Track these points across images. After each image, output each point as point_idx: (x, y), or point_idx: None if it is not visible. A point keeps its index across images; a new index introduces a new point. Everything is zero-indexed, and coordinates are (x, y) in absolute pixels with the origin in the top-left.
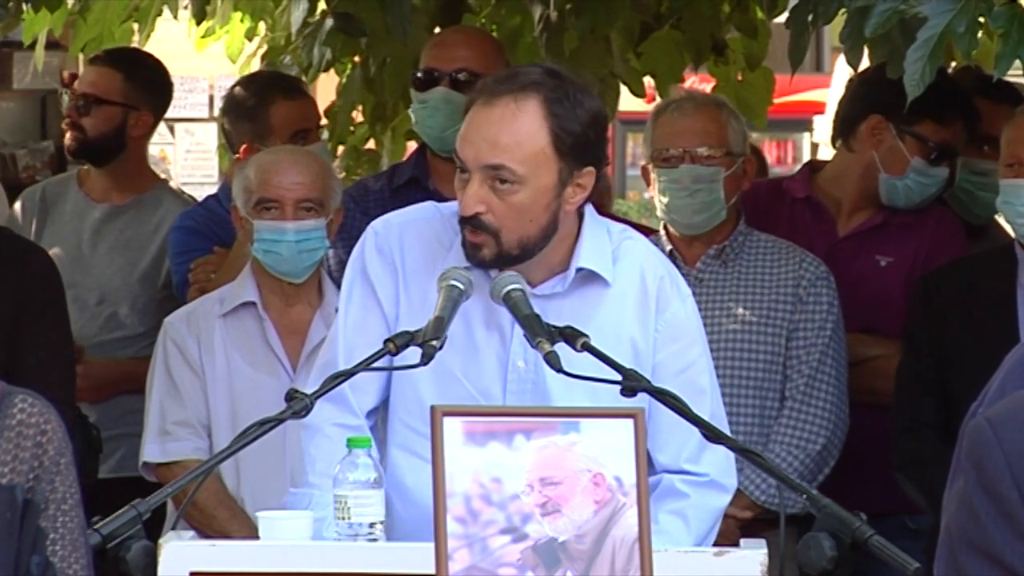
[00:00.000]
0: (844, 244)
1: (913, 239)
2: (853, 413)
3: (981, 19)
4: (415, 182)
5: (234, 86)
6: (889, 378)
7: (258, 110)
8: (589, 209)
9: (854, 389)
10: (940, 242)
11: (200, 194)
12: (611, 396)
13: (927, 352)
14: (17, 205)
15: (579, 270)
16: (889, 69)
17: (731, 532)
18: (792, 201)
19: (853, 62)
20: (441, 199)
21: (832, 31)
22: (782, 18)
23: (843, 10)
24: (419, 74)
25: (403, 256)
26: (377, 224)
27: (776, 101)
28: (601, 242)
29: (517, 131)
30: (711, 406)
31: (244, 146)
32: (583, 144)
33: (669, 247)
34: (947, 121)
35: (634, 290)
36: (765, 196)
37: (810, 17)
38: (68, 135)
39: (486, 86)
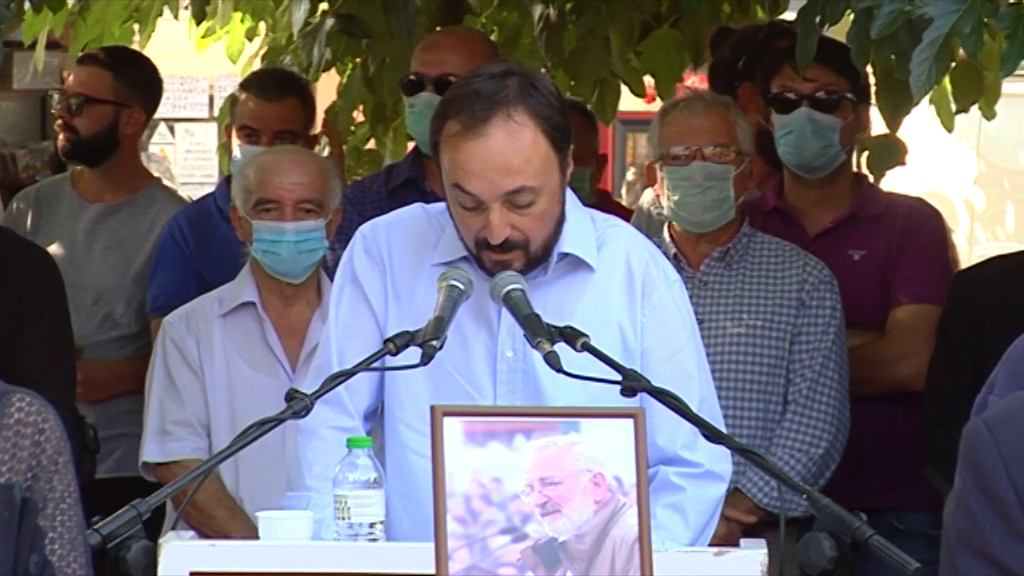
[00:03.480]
0: (816, 243)
1: (884, 230)
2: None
3: (986, 20)
4: (411, 183)
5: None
6: (866, 364)
7: (236, 93)
8: (571, 197)
9: None
10: (912, 230)
11: (200, 195)
12: (604, 387)
13: (962, 348)
14: (13, 206)
15: (563, 255)
16: (895, 69)
17: (733, 535)
18: (763, 214)
19: (859, 63)
20: (438, 200)
21: (833, 31)
22: (782, 17)
23: (849, 11)
24: (409, 78)
25: (391, 255)
26: (365, 228)
27: None
28: (585, 229)
29: (523, 149)
30: (700, 391)
31: (231, 129)
32: (565, 127)
33: (674, 250)
34: (794, 67)
35: (620, 276)
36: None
37: (817, 19)
38: (61, 136)
39: (466, 117)
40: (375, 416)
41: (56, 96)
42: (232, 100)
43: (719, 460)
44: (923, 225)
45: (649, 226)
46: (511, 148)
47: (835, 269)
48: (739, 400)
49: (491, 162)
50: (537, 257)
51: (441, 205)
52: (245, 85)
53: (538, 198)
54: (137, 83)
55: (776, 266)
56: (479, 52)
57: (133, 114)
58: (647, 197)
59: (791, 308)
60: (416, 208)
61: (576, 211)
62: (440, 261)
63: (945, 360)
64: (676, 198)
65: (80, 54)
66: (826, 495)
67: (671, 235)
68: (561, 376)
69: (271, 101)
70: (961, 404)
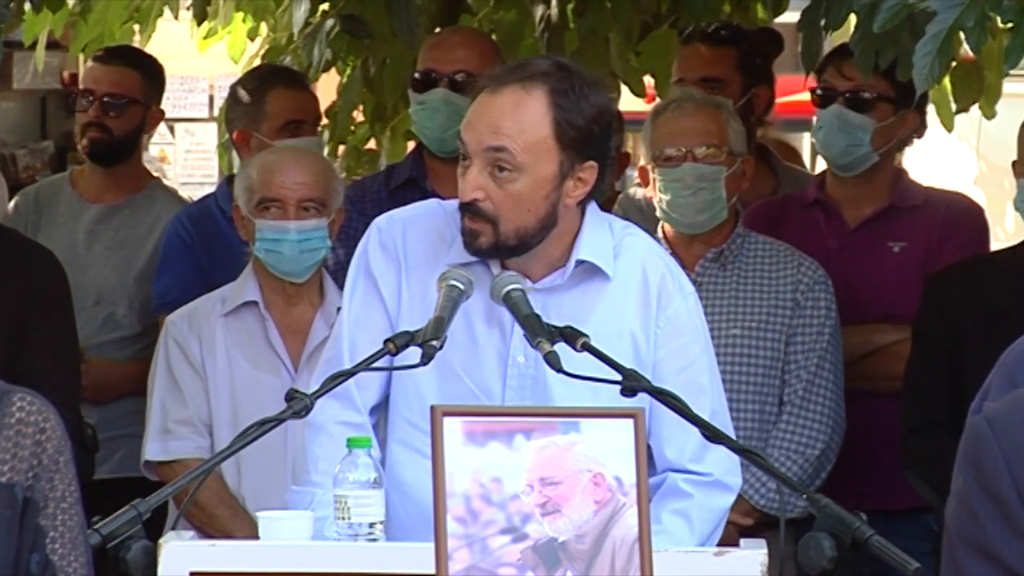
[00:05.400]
0: (855, 235)
1: (924, 221)
2: (871, 404)
3: (989, 14)
4: (412, 183)
5: (243, 74)
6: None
7: (256, 94)
8: (592, 205)
9: (873, 377)
10: (953, 222)
11: (200, 194)
12: (612, 393)
13: (939, 350)
14: (12, 206)
15: (579, 263)
16: (899, 71)
17: (731, 537)
18: (803, 207)
19: (863, 67)
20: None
21: (835, 35)
22: (783, 18)
23: (852, 13)
24: (417, 75)
25: (406, 251)
26: (380, 221)
27: (776, 101)
28: (603, 236)
29: (521, 118)
30: (712, 404)
31: (237, 132)
32: (586, 138)
33: (667, 251)
34: (837, 64)
35: (635, 285)
36: (778, 208)
37: (822, 22)
38: (88, 136)
39: (495, 75)
40: (380, 410)
41: (87, 99)
42: (234, 100)
43: (729, 471)
44: (964, 217)
45: (630, 212)
46: (510, 112)
47: (875, 261)
48: (735, 401)
49: (487, 116)
50: (509, 244)
51: (457, 202)
52: (273, 80)
53: (518, 175)
54: (157, 83)
55: (770, 267)
56: (487, 51)
57: (154, 114)
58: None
59: (786, 309)
60: (433, 203)
61: (595, 218)
62: (456, 262)
63: (921, 364)
64: (668, 199)
65: (99, 52)
66: (857, 493)
67: (664, 236)
68: (572, 384)
69: (307, 90)
70: (938, 408)
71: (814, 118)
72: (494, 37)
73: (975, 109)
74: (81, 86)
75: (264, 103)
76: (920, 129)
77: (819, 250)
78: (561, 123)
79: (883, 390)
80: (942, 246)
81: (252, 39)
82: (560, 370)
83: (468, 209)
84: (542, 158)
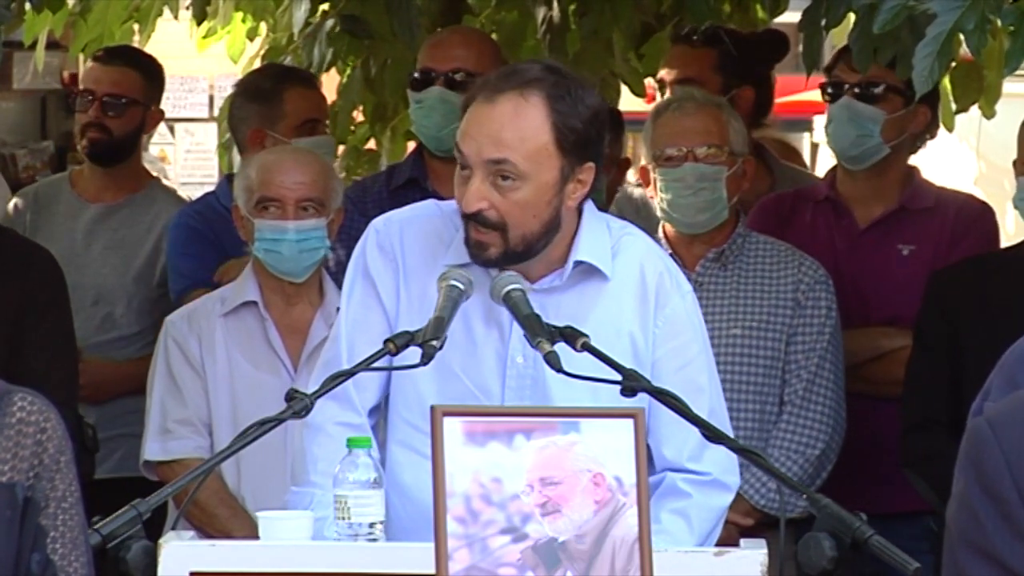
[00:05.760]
0: (865, 236)
1: (934, 224)
2: (877, 407)
3: (989, 16)
4: (413, 183)
5: (249, 73)
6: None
7: (272, 93)
8: (588, 205)
9: (879, 381)
10: (963, 227)
11: (200, 195)
12: (612, 393)
13: (939, 349)
14: (11, 206)
15: (578, 264)
16: (898, 69)
17: (731, 538)
18: (814, 203)
19: (861, 64)
20: (439, 200)
21: (833, 33)
22: (783, 18)
23: (850, 12)
24: (416, 74)
25: (404, 252)
26: (378, 222)
27: (776, 101)
28: (600, 237)
29: (520, 127)
30: (710, 403)
31: (251, 131)
32: (584, 140)
33: (668, 251)
34: (847, 59)
35: (633, 285)
36: (790, 203)
37: (823, 22)
38: (88, 136)
39: (488, 82)
40: (379, 412)
41: (88, 98)
42: (245, 99)
43: (727, 471)
44: (975, 222)
45: (627, 211)
46: (510, 121)
47: (884, 263)
48: (735, 401)
49: (486, 127)
50: (517, 252)
51: (454, 203)
52: (288, 79)
53: (521, 183)
54: (157, 83)
55: (771, 266)
56: (486, 50)
57: (154, 114)
58: (634, 186)
59: (787, 309)
60: (430, 205)
61: (592, 218)
62: (454, 263)
63: (922, 362)
64: (669, 199)
65: (99, 52)
66: (866, 496)
67: (665, 236)
68: (571, 384)
69: (318, 89)
70: (938, 406)
71: (815, 118)
72: (494, 38)
73: (975, 109)
74: (81, 86)
75: (282, 102)
76: (932, 128)
77: (828, 248)
78: (561, 128)
79: (888, 395)
80: (951, 251)
81: (252, 39)
82: (560, 370)
83: (474, 219)
84: (544, 164)
